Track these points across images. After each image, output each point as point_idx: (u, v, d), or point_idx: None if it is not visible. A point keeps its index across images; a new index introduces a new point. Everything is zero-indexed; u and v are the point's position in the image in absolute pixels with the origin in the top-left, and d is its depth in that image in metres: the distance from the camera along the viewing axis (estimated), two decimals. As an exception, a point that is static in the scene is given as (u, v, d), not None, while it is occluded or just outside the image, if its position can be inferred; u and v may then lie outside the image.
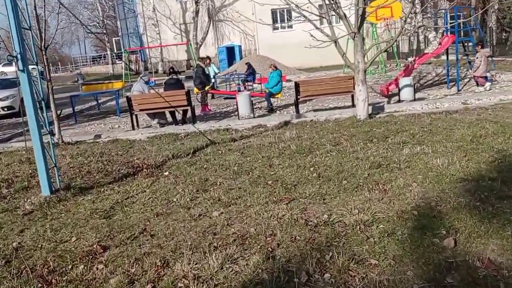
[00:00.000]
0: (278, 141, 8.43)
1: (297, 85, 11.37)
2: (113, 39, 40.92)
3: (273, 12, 33.07)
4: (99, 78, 31.69)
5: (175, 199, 5.50)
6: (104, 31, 36.84)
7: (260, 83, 18.35)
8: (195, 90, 13.50)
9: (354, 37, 9.92)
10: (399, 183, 5.21)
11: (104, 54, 38.06)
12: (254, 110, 12.52)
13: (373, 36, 22.76)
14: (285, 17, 33.28)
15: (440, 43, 14.46)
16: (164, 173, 6.85)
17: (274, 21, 33.18)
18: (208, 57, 17.71)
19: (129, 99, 11.47)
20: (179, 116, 12.36)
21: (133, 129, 11.68)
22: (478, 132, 7.48)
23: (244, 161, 7.07)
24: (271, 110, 13.20)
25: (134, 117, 11.89)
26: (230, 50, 33.21)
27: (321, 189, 5.32)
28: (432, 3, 28.73)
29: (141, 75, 12.19)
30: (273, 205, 4.93)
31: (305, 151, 7.39)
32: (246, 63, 20.58)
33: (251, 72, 19.35)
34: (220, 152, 7.94)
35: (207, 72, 15.94)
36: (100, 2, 37.69)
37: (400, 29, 10.25)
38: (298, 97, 11.51)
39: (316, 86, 11.45)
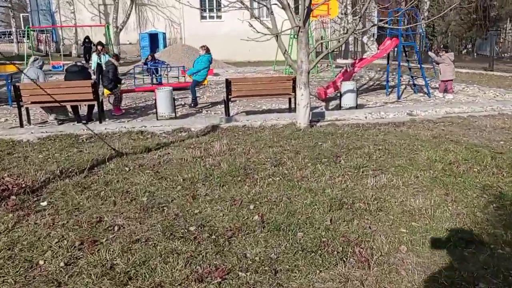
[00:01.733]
0: (204, 155, 6.59)
1: (228, 83, 9.57)
2: (21, 14, 36.21)
3: (202, 1, 30.86)
4: (0, 58, 27.56)
5: (42, 262, 3.47)
6: (9, 5, 32.32)
7: (184, 77, 16.29)
8: (105, 91, 11.10)
9: (298, 32, 8.30)
10: (380, 245, 3.60)
11: (10, 31, 33.48)
12: (176, 108, 10.52)
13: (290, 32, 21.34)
14: (214, 6, 31.22)
15: (378, 48, 13.40)
16: (41, 204, 4.73)
17: (203, 10, 31.00)
18: (100, 43, 15.24)
19: (17, 89, 8.96)
20: (83, 111, 10.05)
21: (21, 126, 9.21)
22: (446, 156, 6.16)
23: (158, 188, 5.14)
24: (195, 104, 11.33)
25: (24, 111, 9.41)
26: (154, 37, 30.49)
27: (269, 250, 3.58)
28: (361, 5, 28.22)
29: (32, 59, 9.63)
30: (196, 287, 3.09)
31: (240, 173, 5.63)
32: (150, 55, 17.85)
33: (152, 64, 16.72)
34: (127, 169, 5.92)
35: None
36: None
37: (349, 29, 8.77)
38: (229, 96, 9.71)
39: (250, 86, 9.73)
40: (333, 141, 7.34)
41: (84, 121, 9.77)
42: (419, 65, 12.24)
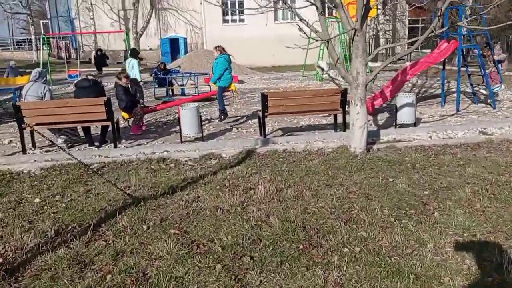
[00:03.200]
0: (246, 200, 4.97)
1: (265, 98, 7.94)
2: (41, 21, 35.27)
3: (224, 3, 29.35)
4: (20, 66, 26.51)
5: None
6: (28, 12, 31.35)
7: (209, 86, 14.72)
8: (123, 114, 9.35)
9: (354, 36, 6.63)
10: None
11: (30, 39, 32.57)
12: (203, 123, 8.92)
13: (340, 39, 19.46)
14: (237, 7, 29.68)
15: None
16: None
17: (225, 13, 29.49)
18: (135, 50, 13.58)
19: (17, 108, 7.50)
20: (96, 131, 8.57)
21: (24, 152, 7.75)
22: None
23: (188, 269, 3.52)
24: (225, 116, 9.81)
25: (28, 134, 7.97)
26: (174, 43, 29.19)
27: None
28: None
29: (34, 73, 8.04)
30: None
31: (300, 236, 4.00)
32: (161, 63, 15.51)
33: (164, 73, 14.43)
34: (144, 227, 4.34)
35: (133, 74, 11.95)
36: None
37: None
38: (266, 113, 8.08)
39: (290, 101, 8.08)
40: (407, 176, 5.65)
41: (97, 144, 8.29)
42: (482, 71, 10.39)
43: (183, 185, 5.68)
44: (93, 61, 24.79)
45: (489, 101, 10.62)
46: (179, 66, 20.99)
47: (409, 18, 29.59)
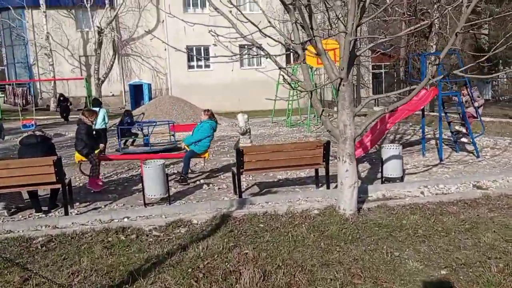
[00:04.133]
0: (226, 293, 3.94)
1: (240, 153, 7.01)
2: (-4, 68, 33.69)
3: (189, 49, 28.84)
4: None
5: None
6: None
7: (173, 133, 13.72)
8: (77, 156, 8.40)
9: (339, 86, 5.90)
10: None
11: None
12: (169, 183, 7.86)
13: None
14: (203, 54, 29.20)
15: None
16: None
17: (190, 58, 28.93)
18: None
19: None
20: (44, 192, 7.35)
21: (-47, 224, 6.42)
22: None
23: None
24: (183, 180, 8.61)
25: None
26: (138, 89, 28.22)
27: None
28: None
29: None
30: None
31: None
32: (126, 111, 14.36)
33: (128, 123, 13.30)
34: None
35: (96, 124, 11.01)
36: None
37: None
38: (241, 170, 7.13)
39: (268, 155, 7.18)
40: (413, 248, 4.78)
41: (45, 209, 7.06)
42: (462, 119, 9.92)
43: (146, 268, 4.58)
44: (54, 109, 23.40)
45: (467, 147, 10.12)
46: (143, 114, 19.94)
47: (372, 64, 29.95)
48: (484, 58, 5.73)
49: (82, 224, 6.28)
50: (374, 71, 29.90)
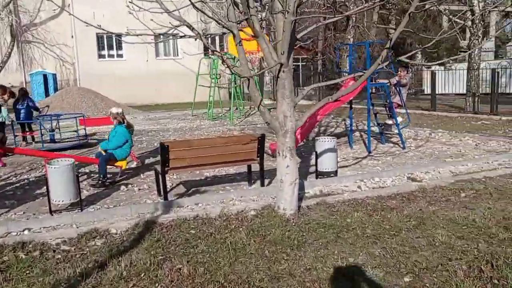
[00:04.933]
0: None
1: (165, 149, 6.12)
2: None
3: (99, 37, 26.76)
4: None
5: None
6: None
7: (84, 127, 12.31)
8: None
9: (279, 72, 5.28)
10: None
11: None
12: (80, 183, 6.73)
13: (212, 72, 17.82)
14: (114, 43, 27.25)
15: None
16: None
17: (100, 47, 26.88)
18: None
19: None
20: None
21: None
22: None
23: None
24: (103, 183, 7.51)
25: None
26: (41, 79, 25.60)
27: None
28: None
29: None
30: None
31: None
32: (21, 89, 12.36)
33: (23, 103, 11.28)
34: None
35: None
36: None
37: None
38: (166, 168, 6.25)
39: (197, 151, 6.37)
40: (367, 252, 4.30)
41: None
42: (389, 112, 9.87)
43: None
44: None
45: (393, 139, 10.12)
46: (48, 106, 17.95)
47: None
48: (409, 54, 5.46)
49: (-32, 241, 5.03)
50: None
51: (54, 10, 23.97)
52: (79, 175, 7.53)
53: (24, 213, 6.20)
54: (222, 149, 6.52)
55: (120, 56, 27.40)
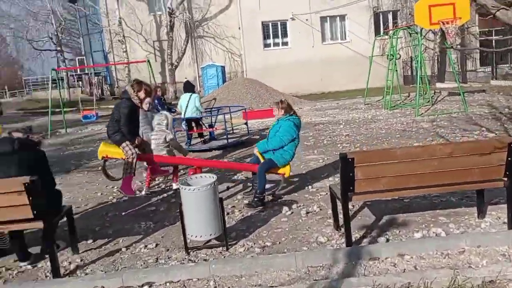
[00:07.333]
0: None
1: (349, 163, 3.68)
2: (77, 58, 32.94)
3: (265, 26, 25.71)
4: (43, 106, 23.67)
5: None
6: (58, 48, 28.97)
7: (245, 122, 10.70)
8: (101, 151, 5.65)
9: None
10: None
11: (62, 76, 30.23)
12: (225, 210, 4.78)
13: (390, 51, 14.62)
14: (279, 31, 25.90)
15: None
16: None
17: (265, 36, 25.83)
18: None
19: None
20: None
21: None
22: None
23: None
24: (260, 202, 5.38)
25: None
26: (211, 72, 25.63)
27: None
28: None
29: None
30: None
31: None
32: (157, 86, 10.28)
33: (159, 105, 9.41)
34: None
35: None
36: (53, 12, 29.36)
37: None
38: (350, 193, 3.82)
39: (399, 166, 3.78)
40: None
41: (37, 253, 4.35)
42: None
43: None
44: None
45: None
46: (214, 99, 17.25)
47: (480, 30, 24.73)
48: None
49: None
50: (481, 38, 24.62)
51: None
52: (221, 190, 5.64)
53: (156, 245, 4.48)
54: (443, 164, 3.79)
55: (285, 44, 25.96)
